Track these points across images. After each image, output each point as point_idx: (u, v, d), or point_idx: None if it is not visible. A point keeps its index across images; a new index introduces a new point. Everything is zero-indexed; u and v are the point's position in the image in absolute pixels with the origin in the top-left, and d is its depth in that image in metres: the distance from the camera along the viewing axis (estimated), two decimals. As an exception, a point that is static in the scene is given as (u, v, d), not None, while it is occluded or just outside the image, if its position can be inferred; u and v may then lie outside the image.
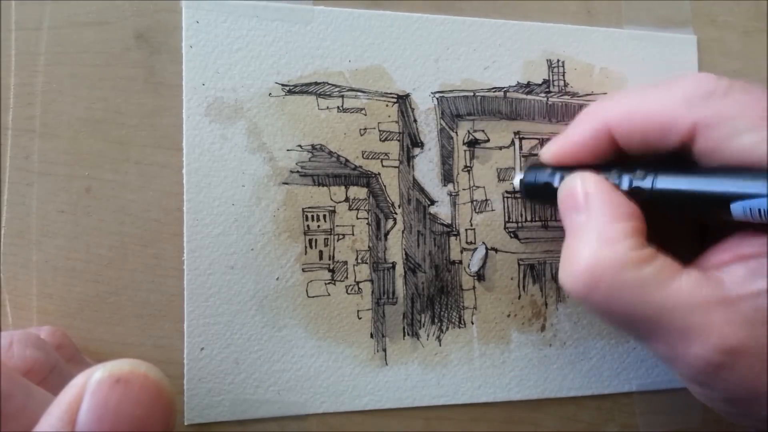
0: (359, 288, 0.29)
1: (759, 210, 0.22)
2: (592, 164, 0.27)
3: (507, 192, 0.31)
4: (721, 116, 0.23)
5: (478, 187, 0.31)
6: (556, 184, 0.27)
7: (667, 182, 0.24)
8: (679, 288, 0.22)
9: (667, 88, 0.25)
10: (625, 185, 0.25)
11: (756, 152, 0.23)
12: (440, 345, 0.30)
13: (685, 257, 0.25)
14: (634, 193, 0.25)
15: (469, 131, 0.31)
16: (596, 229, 0.24)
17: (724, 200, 0.23)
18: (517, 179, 0.30)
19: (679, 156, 0.25)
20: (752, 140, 0.23)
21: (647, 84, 0.26)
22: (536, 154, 0.31)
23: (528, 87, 0.31)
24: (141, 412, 0.16)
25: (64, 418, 0.16)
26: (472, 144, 0.31)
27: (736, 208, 0.23)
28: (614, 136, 0.26)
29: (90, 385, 0.16)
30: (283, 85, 0.29)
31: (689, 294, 0.22)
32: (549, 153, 0.28)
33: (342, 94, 0.29)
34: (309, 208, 0.29)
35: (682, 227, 0.26)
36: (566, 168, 0.27)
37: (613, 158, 0.27)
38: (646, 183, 0.25)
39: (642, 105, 0.25)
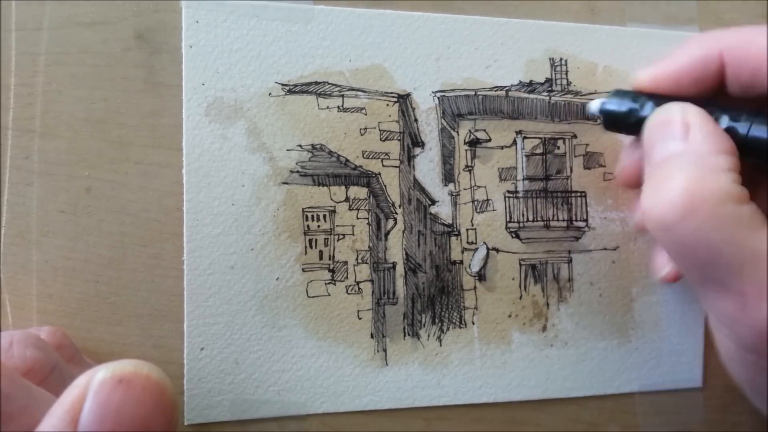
0: (359, 288, 0.29)
1: None
2: (691, 97, 0.25)
3: (508, 192, 0.31)
4: None
5: (479, 186, 0.31)
6: (644, 112, 0.26)
7: (763, 131, 0.24)
8: None
9: None
10: (723, 124, 0.24)
11: None
12: (441, 345, 0.30)
13: None
14: (728, 134, 0.24)
15: (470, 131, 0.31)
16: (697, 157, 0.23)
17: None
18: (596, 103, 0.27)
19: None
20: None
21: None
22: (537, 154, 0.31)
23: (530, 86, 0.31)
24: (143, 413, 0.16)
25: (67, 418, 0.16)
26: (474, 143, 0.31)
27: None
28: (724, 67, 0.25)
29: (93, 385, 0.16)
30: (283, 84, 0.29)
31: None
32: (647, 75, 0.26)
33: (342, 93, 0.29)
34: (309, 208, 0.29)
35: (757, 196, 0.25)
36: (659, 97, 0.26)
37: (712, 96, 0.26)
38: (743, 127, 0.24)
39: (760, 38, 0.24)
